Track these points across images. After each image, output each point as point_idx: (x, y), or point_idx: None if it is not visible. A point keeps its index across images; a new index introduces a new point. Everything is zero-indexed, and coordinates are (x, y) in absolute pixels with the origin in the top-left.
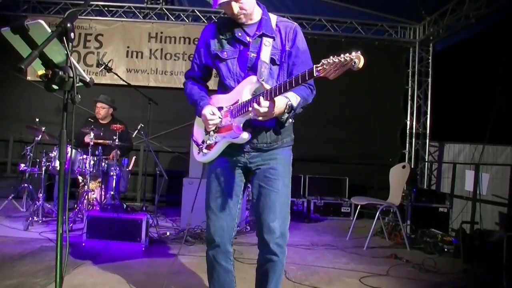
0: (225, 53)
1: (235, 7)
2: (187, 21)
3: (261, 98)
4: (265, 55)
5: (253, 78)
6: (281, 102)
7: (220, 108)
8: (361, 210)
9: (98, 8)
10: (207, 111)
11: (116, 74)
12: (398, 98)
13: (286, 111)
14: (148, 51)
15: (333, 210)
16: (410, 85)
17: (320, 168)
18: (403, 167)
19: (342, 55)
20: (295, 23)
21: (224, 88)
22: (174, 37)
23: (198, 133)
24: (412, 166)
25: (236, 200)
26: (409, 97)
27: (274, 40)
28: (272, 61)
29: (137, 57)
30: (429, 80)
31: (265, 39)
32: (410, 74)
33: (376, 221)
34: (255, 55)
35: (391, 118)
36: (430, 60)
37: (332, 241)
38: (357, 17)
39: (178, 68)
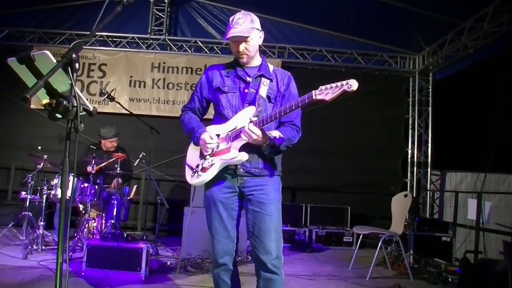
0: (226, 87)
1: (242, 46)
2: (190, 51)
3: (250, 124)
4: (263, 91)
5: (252, 108)
6: (265, 135)
7: (217, 136)
8: (364, 239)
9: (102, 38)
10: (206, 136)
11: (119, 103)
12: (399, 127)
13: (268, 144)
14: (151, 80)
15: (335, 240)
16: (410, 114)
17: (321, 197)
18: (405, 196)
19: (338, 82)
20: (289, 73)
21: (221, 118)
22: (177, 67)
23: (192, 157)
24: (414, 195)
25: (233, 223)
26: (410, 126)
27: (271, 81)
28: (268, 98)
29: (139, 86)
30: (430, 109)
31: (263, 79)
32: (410, 103)
33: (378, 251)
34: (254, 91)
35: (392, 147)
36: (430, 90)
37: (334, 271)
38: (357, 48)
39: (180, 98)
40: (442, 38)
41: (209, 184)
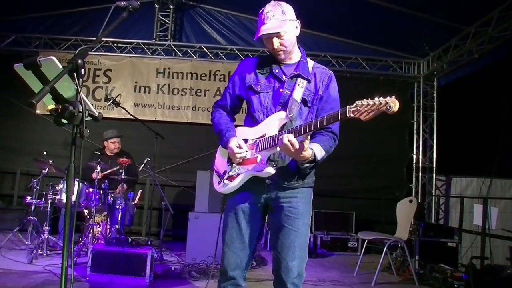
0: (259, 86)
1: (276, 42)
2: (194, 57)
3: (290, 135)
4: (298, 94)
5: (282, 114)
6: (308, 150)
7: (245, 141)
8: (369, 245)
9: (107, 44)
10: (233, 144)
11: (124, 109)
12: (404, 133)
13: (307, 161)
14: (156, 86)
15: (340, 245)
16: (415, 119)
17: (326, 202)
18: (410, 201)
19: (376, 98)
20: (331, 71)
21: (252, 121)
22: (182, 72)
23: (220, 163)
24: (419, 201)
25: (252, 237)
26: (415, 131)
27: (309, 82)
28: (304, 101)
29: (144, 92)
30: (434, 114)
31: (299, 79)
32: (415, 108)
33: (383, 256)
34: (289, 92)
35: (397, 152)
36: (434, 95)
37: (339, 277)
38: (361, 53)
39: (185, 103)
40: (446, 43)
41: (234, 192)
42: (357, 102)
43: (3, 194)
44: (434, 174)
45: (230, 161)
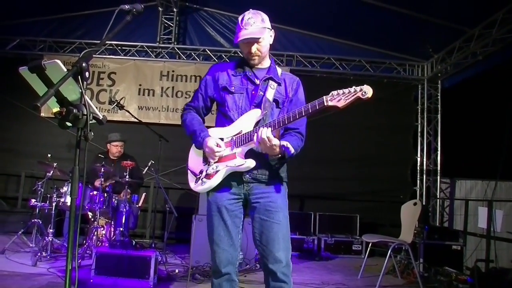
0: (233, 87)
1: (254, 47)
2: (198, 60)
3: (268, 130)
4: (270, 95)
5: (257, 111)
6: (279, 147)
7: (221, 139)
8: (373, 248)
9: (111, 47)
10: (212, 143)
11: (128, 112)
12: (408, 135)
13: (278, 156)
14: (160, 89)
15: (344, 248)
16: (419, 121)
17: (330, 205)
18: (415, 204)
19: (351, 88)
20: (298, 78)
21: (225, 119)
22: (185, 75)
23: (195, 162)
24: (424, 203)
25: (237, 231)
26: (419, 134)
27: (279, 85)
28: (276, 102)
29: (148, 95)
30: (439, 116)
31: (271, 82)
32: (419, 111)
33: (388, 259)
34: (262, 93)
35: (401, 155)
36: (439, 97)
37: (343, 280)
38: (365, 56)
39: None
40: (450, 45)
41: (213, 190)
42: (332, 92)
43: (7, 196)
44: (438, 177)
45: (206, 160)
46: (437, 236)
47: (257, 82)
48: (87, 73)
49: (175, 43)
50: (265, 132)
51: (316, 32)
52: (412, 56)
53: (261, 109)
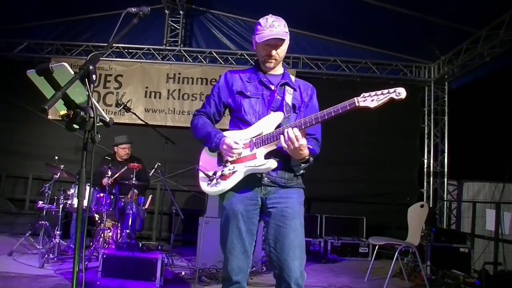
0: (249, 92)
1: (274, 50)
2: (204, 62)
3: (296, 129)
4: (289, 99)
5: (280, 114)
6: (306, 149)
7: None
8: (379, 250)
9: (118, 50)
10: (230, 140)
11: (135, 114)
12: (415, 137)
13: (304, 160)
14: (166, 91)
15: (351, 251)
16: (426, 123)
17: (337, 207)
18: (422, 206)
19: (385, 90)
20: (311, 84)
21: (242, 124)
22: (192, 78)
23: (208, 163)
24: (431, 206)
25: (251, 239)
26: (426, 136)
27: (295, 91)
28: (293, 107)
29: (155, 97)
30: (446, 118)
31: (287, 87)
32: (426, 112)
33: (394, 262)
34: (280, 98)
35: (408, 157)
36: (446, 99)
37: (350, 283)
38: (371, 57)
39: (195, 108)
40: (457, 47)
41: (229, 194)
42: (364, 93)
43: (15, 198)
44: (445, 179)
45: (222, 161)
46: (445, 239)
47: (273, 87)
48: (94, 76)
49: (182, 45)
50: (292, 132)
51: (322, 34)
52: (419, 57)
53: (283, 111)
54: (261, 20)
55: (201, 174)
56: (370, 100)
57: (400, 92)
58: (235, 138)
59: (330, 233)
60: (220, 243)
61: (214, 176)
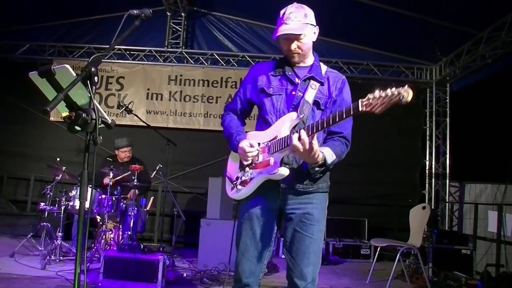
0: (272, 89)
1: (294, 44)
2: (206, 64)
3: (302, 131)
4: (310, 96)
5: (293, 115)
6: (318, 154)
7: (257, 144)
8: (381, 252)
9: (120, 51)
10: (245, 143)
11: (136, 116)
12: (416, 139)
13: (318, 164)
14: (168, 93)
15: (352, 252)
16: (428, 125)
17: (338, 209)
18: (423, 208)
19: (389, 90)
20: (344, 76)
21: (263, 124)
22: (193, 79)
23: (232, 168)
24: (433, 207)
25: (266, 243)
26: (428, 137)
27: (322, 85)
28: (317, 104)
29: (157, 99)
30: (447, 120)
31: (312, 82)
32: (427, 114)
33: (396, 264)
34: (301, 94)
35: (410, 158)
36: (447, 100)
37: (351, 285)
38: (373, 59)
39: (197, 110)
40: (459, 49)
41: (247, 197)
42: (368, 95)
43: (17, 200)
44: (447, 181)
45: (243, 166)
46: (447, 241)
47: (297, 81)
48: (96, 78)
49: (183, 47)
50: (297, 136)
51: (323, 36)
52: (421, 59)
53: (297, 112)
54: (281, 11)
55: (226, 179)
56: (374, 105)
57: (405, 96)
58: (252, 141)
59: (332, 234)
60: (235, 243)
61: (236, 182)
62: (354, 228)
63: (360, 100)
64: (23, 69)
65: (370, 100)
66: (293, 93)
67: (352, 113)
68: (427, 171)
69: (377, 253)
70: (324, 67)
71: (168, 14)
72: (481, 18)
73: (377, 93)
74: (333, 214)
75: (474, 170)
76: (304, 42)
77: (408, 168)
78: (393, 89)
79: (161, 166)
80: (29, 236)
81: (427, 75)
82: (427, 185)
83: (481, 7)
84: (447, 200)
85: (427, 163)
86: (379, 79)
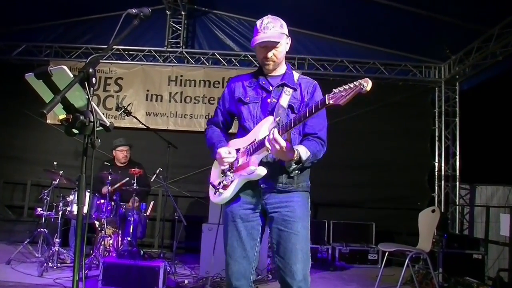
0: (248, 97)
1: (270, 52)
2: (207, 64)
3: (275, 130)
4: (284, 101)
5: (270, 118)
6: (292, 150)
7: (237, 150)
8: (389, 257)
9: (118, 52)
10: (223, 150)
11: (136, 118)
12: (425, 140)
13: (293, 161)
14: (168, 94)
15: (360, 258)
16: (437, 125)
17: (345, 213)
18: (433, 211)
19: (351, 83)
20: (315, 81)
21: (243, 131)
22: (194, 80)
23: (214, 175)
24: (442, 210)
25: (253, 244)
26: (437, 138)
27: (295, 91)
28: (291, 108)
29: (156, 100)
30: (457, 120)
31: (286, 88)
32: (436, 114)
33: (405, 269)
34: (275, 100)
35: (419, 160)
36: (457, 100)
37: None
38: (379, 58)
39: (198, 112)
40: (468, 46)
41: (230, 200)
42: (334, 89)
43: (13, 205)
44: (457, 183)
45: (224, 171)
46: (457, 245)
47: (271, 89)
48: (94, 79)
49: (184, 47)
50: (272, 134)
51: (328, 34)
52: (429, 57)
53: (273, 115)
54: (258, 22)
55: (210, 185)
56: (339, 96)
57: (364, 85)
58: (230, 148)
59: (338, 239)
60: (224, 247)
61: (218, 186)
62: (361, 232)
63: (326, 95)
64: (19, 70)
65: (336, 94)
66: (268, 100)
67: (320, 107)
68: (436, 173)
69: (385, 258)
70: (296, 75)
71: (168, 13)
72: (491, 14)
73: (341, 87)
74: (339, 218)
75: (485, 171)
76: (280, 51)
77: (417, 170)
78: (355, 82)
79: (161, 169)
80: (25, 242)
81: (436, 73)
82: (436, 187)
83: (491, 3)
84: (457, 203)
85: (436, 164)
86: (385, 78)
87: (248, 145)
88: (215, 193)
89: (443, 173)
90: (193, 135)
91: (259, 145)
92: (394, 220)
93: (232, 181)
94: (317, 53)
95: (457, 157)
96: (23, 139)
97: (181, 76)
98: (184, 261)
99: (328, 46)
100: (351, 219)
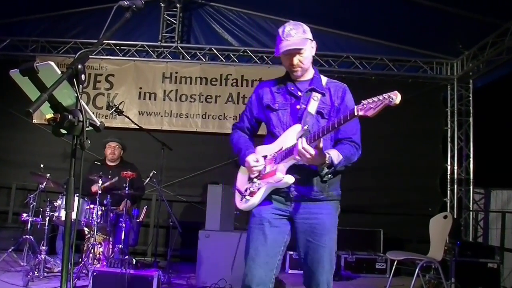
0: (277, 104)
1: (295, 59)
2: (204, 60)
3: (304, 140)
4: (312, 107)
5: (297, 127)
6: (324, 154)
7: (264, 157)
8: (398, 266)
9: (109, 47)
10: (251, 158)
11: (128, 117)
12: (437, 141)
13: (325, 165)
14: (162, 92)
15: (367, 267)
16: (449, 126)
17: (351, 219)
18: (445, 217)
19: (380, 95)
20: (345, 85)
21: (272, 138)
22: (190, 77)
23: (241, 181)
24: (455, 216)
25: (277, 251)
26: (449, 139)
27: (323, 96)
28: (320, 114)
29: (150, 98)
30: (471, 119)
31: (314, 94)
32: (449, 113)
33: (415, 279)
34: (304, 106)
35: (430, 163)
36: (470, 98)
37: None
38: (388, 53)
39: (194, 111)
40: (483, 41)
41: (258, 205)
42: (362, 101)
43: None
44: (471, 187)
45: (251, 178)
46: (471, 253)
47: (300, 94)
48: (83, 76)
49: (179, 42)
50: (300, 144)
51: (333, 28)
52: (440, 53)
53: (301, 123)
54: (279, 30)
55: (236, 192)
56: (368, 108)
57: (393, 98)
58: (258, 156)
59: (344, 247)
60: (245, 250)
61: (245, 193)
62: (368, 239)
63: (355, 106)
64: (4, 66)
65: (365, 105)
66: (297, 106)
67: (349, 118)
68: (448, 176)
69: (393, 267)
70: (324, 79)
71: (162, 5)
72: (507, 7)
73: (370, 99)
74: (345, 224)
75: (501, 175)
76: (305, 56)
77: (428, 173)
78: (384, 94)
79: (155, 172)
80: (10, 250)
81: (448, 70)
82: (448, 192)
83: None
84: (471, 208)
85: (449, 167)
86: (394, 75)
87: (276, 152)
88: (241, 200)
89: (455, 176)
90: (189, 136)
91: (287, 153)
92: (403, 226)
93: (259, 188)
94: (321, 48)
95: (471, 159)
96: (8, 140)
97: (176, 72)
98: (179, 270)
99: (333, 41)
100: (357, 225)
